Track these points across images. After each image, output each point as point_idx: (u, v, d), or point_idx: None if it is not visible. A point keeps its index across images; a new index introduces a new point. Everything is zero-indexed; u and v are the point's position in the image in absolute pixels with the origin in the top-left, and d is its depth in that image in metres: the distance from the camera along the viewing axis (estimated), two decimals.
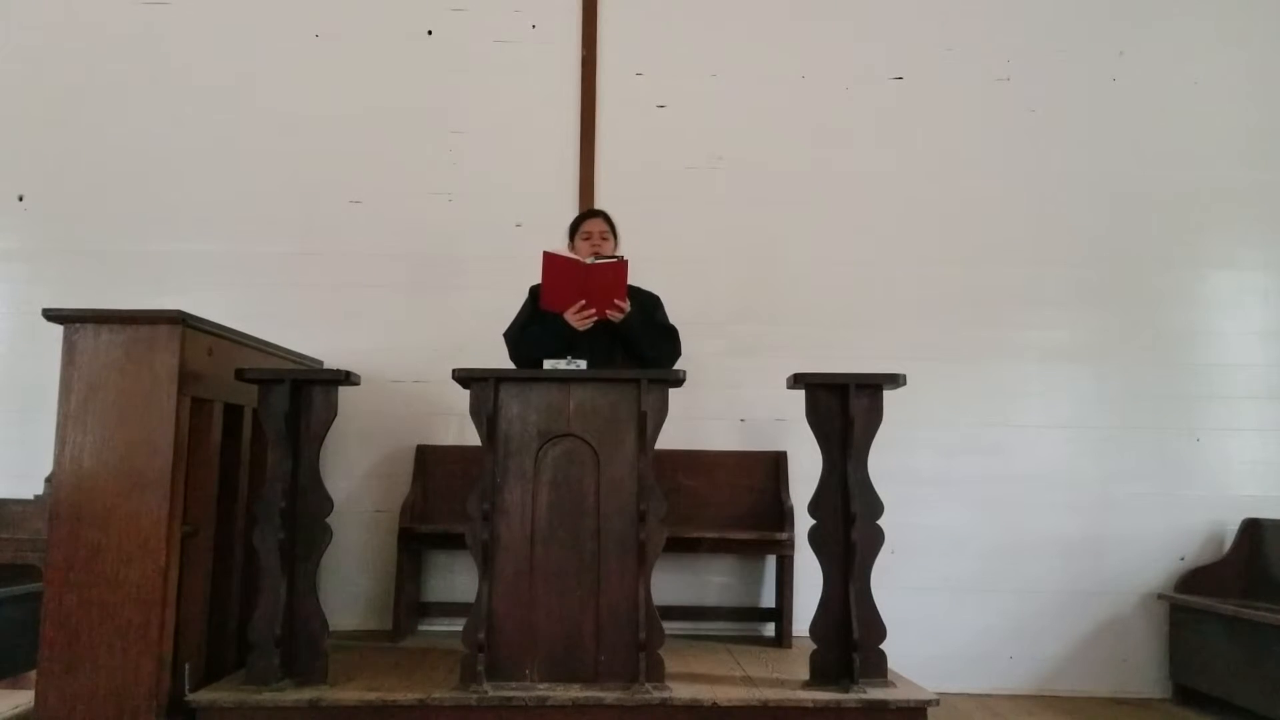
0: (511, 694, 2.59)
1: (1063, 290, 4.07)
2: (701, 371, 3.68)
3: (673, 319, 3.33)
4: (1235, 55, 4.19)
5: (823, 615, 2.78)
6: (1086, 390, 4.03)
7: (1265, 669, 3.31)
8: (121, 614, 2.54)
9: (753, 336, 3.99)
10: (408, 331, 3.99)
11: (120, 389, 2.61)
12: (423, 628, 3.80)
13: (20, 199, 4.07)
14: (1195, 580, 3.83)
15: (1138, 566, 3.92)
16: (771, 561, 3.81)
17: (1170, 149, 4.14)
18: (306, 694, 2.61)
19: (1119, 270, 4.09)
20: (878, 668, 2.73)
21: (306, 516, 2.75)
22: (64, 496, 2.58)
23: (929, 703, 2.65)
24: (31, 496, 3.55)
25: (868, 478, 2.80)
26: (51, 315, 2.64)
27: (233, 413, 3.05)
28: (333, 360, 3.71)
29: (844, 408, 2.81)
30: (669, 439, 3.31)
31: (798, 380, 2.86)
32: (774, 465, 3.88)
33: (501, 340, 3.29)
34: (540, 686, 2.63)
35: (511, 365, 3.21)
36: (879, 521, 2.78)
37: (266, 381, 2.77)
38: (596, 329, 3.08)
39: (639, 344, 3.14)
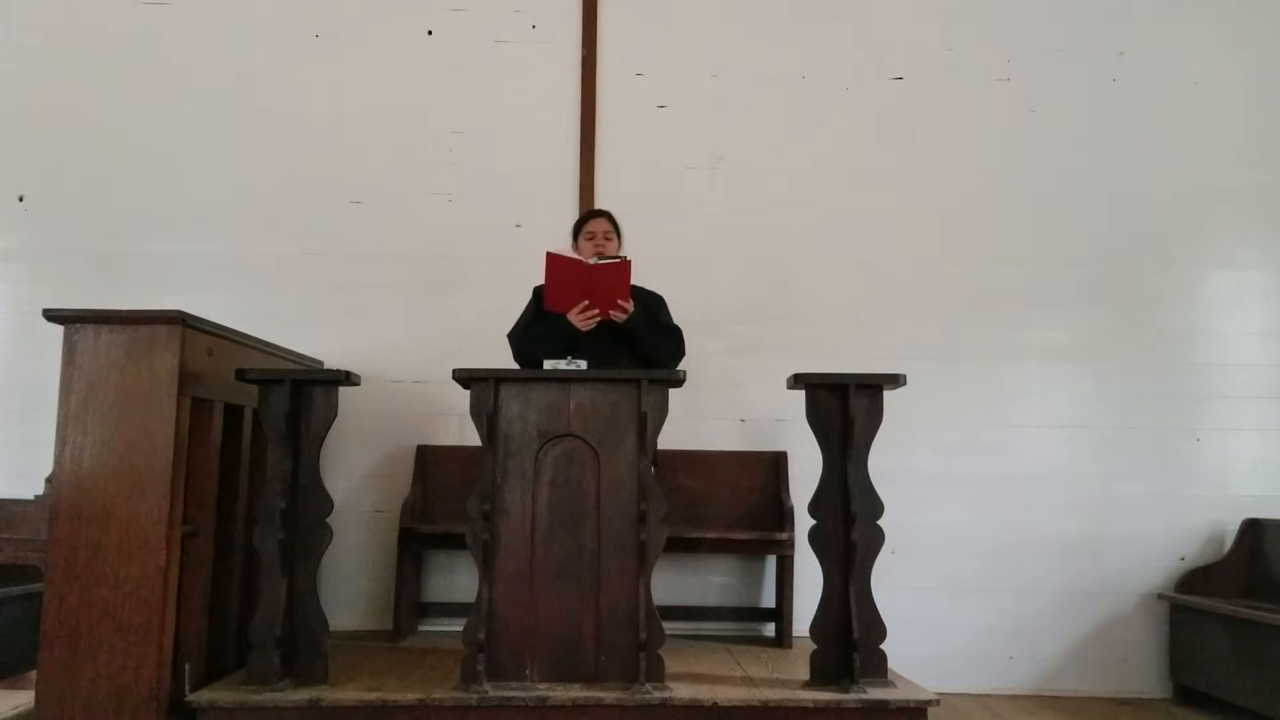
0: (511, 694, 2.59)
1: (1063, 290, 4.07)
2: (702, 371, 3.68)
3: (673, 319, 3.33)
4: (1235, 55, 4.19)
5: (823, 615, 2.78)
6: (1086, 390, 4.03)
7: (1265, 669, 3.31)
8: (122, 614, 2.54)
9: (753, 336, 4.00)
10: (408, 331, 3.99)
11: (120, 389, 2.61)
12: (423, 628, 3.80)
13: (20, 199, 4.07)
14: (1195, 580, 3.83)
15: (1138, 566, 3.92)
16: (772, 561, 3.81)
17: (1170, 149, 4.14)
18: (306, 694, 2.61)
19: (1119, 270, 4.09)
20: (878, 668, 2.73)
21: (307, 516, 2.75)
22: (64, 496, 2.58)
23: (929, 703, 2.65)
24: (32, 496, 3.54)
25: (868, 478, 2.80)
26: (51, 315, 2.64)
27: (233, 413, 3.05)
28: (333, 360, 3.71)
29: (844, 408, 2.81)
30: (669, 439, 3.32)
31: (798, 380, 2.86)
32: (774, 465, 3.88)
33: (502, 340, 3.29)
34: (540, 686, 2.63)
35: (515, 366, 3.21)
36: (879, 521, 2.78)
37: (266, 382, 2.77)
38: (600, 329, 3.09)
39: (642, 344, 3.15)
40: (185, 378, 2.65)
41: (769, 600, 3.84)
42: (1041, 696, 3.83)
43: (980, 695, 3.82)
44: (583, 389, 2.77)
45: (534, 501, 2.73)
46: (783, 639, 3.59)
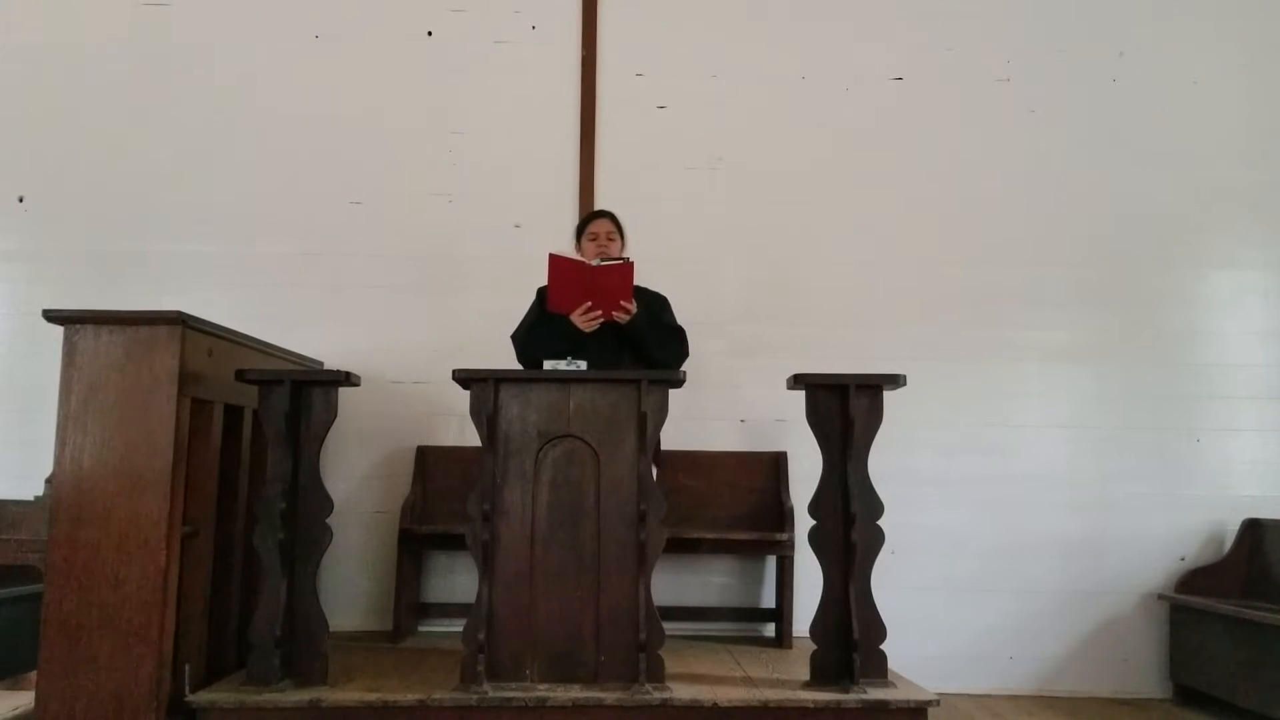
0: (511, 694, 2.59)
1: (1063, 290, 4.07)
2: (702, 372, 3.68)
3: (677, 320, 3.33)
4: (1235, 55, 4.19)
5: (823, 615, 2.78)
6: (1086, 390, 4.03)
7: (1265, 669, 3.31)
8: (121, 614, 2.54)
9: (753, 337, 3.99)
10: (408, 332, 3.99)
11: (120, 390, 2.61)
12: (423, 628, 3.80)
13: (20, 199, 4.07)
14: (1195, 580, 3.83)
15: (1138, 566, 3.92)
16: (771, 562, 3.81)
17: (1170, 149, 4.14)
18: (306, 694, 2.61)
19: (1119, 270, 4.09)
20: (878, 668, 2.73)
21: (307, 517, 2.75)
22: (64, 497, 2.58)
23: (929, 703, 2.65)
24: (31, 497, 3.54)
25: (868, 478, 2.80)
26: (51, 316, 2.64)
27: (233, 413, 3.05)
28: (333, 361, 3.71)
29: (844, 408, 2.81)
30: (669, 439, 3.33)
31: (798, 381, 2.86)
32: (774, 465, 3.88)
33: (502, 340, 3.29)
34: (540, 687, 2.63)
35: (518, 366, 3.21)
36: (879, 522, 2.78)
37: (266, 382, 2.77)
38: (603, 330, 3.09)
39: (646, 345, 3.15)
40: (185, 378, 2.65)
41: (769, 600, 3.84)
42: (1041, 697, 3.83)
43: (980, 695, 3.82)
44: (582, 389, 2.77)
45: (534, 502, 2.73)
46: (783, 639, 3.59)
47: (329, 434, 2.82)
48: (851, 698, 2.63)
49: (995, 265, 4.07)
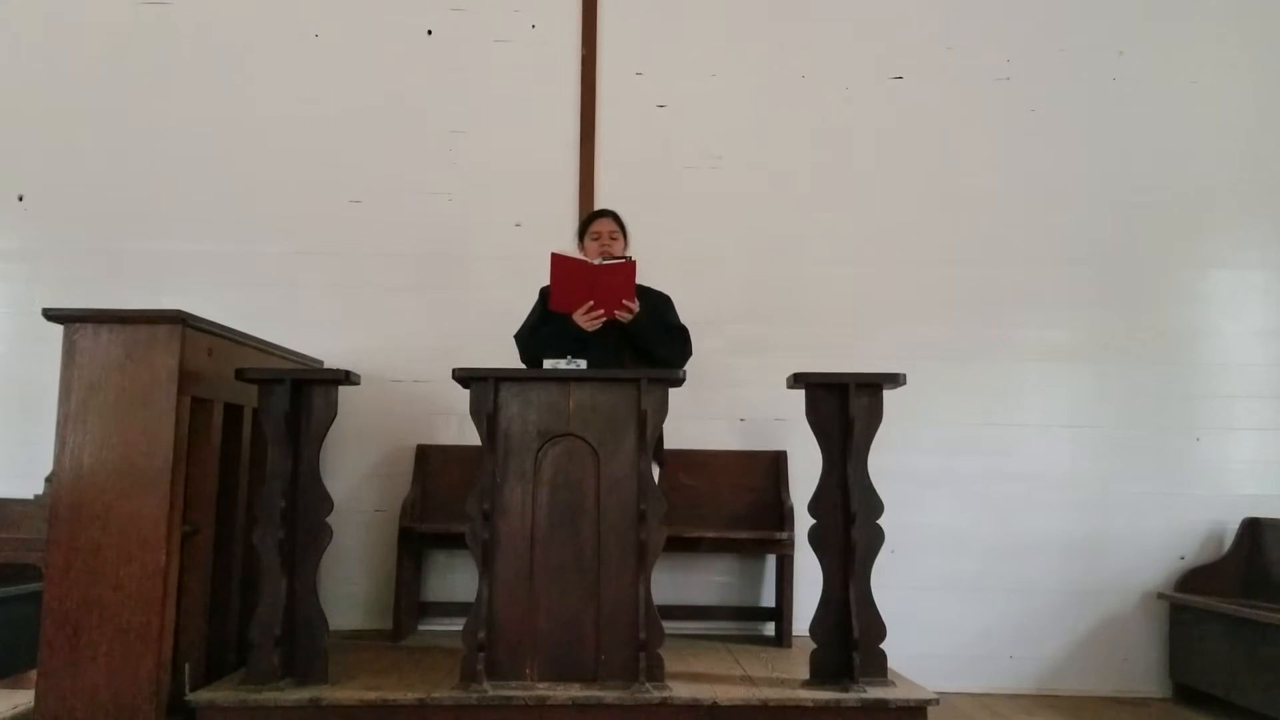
0: (511, 693, 2.59)
1: (1063, 290, 4.07)
2: (701, 371, 3.67)
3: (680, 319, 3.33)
4: (1235, 55, 4.19)
5: (823, 615, 2.78)
6: (1086, 390, 4.03)
7: (1265, 668, 3.31)
8: (121, 613, 2.54)
9: (753, 336, 3.99)
10: (408, 331, 3.99)
11: (120, 389, 2.61)
12: (423, 627, 3.80)
13: (20, 199, 4.07)
14: (1195, 580, 3.83)
15: (1138, 566, 3.92)
16: (771, 561, 3.81)
17: (1170, 148, 4.14)
18: (306, 693, 2.61)
19: (1119, 270, 4.09)
20: (878, 667, 2.73)
21: (306, 516, 2.75)
22: (64, 496, 2.58)
23: (929, 702, 2.65)
24: (31, 496, 3.54)
25: (867, 477, 2.80)
26: (51, 315, 2.64)
27: (233, 412, 3.05)
28: (333, 360, 3.71)
29: (844, 407, 2.81)
30: (669, 438, 3.33)
31: (798, 380, 2.86)
32: (774, 465, 3.88)
33: (502, 339, 3.30)
34: (540, 686, 2.63)
35: (520, 365, 3.20)
36: (879, 521, 2.78)
37: (266, 381, 2.77)
38: (606, 329, 3.08)
39: (648, 344, 3.14)
40: (185, 377, 2.65)
41: (769, 600, 3.84)
42: (1042, 696, 3.83)
43: (980, 695, 3.82)
44: (582, 388, 2.77)
45: (534, 501, 2.73)
46: (782, 638, 3.59)
47: (329, 433, 2.82)
48: (851, 696, 2.63)
49: (995, 264, 4.07)
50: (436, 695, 2.60)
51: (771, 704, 2.63)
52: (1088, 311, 4.06)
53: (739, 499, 3.85)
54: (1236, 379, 4.02)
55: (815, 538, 2.81)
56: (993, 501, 3.94)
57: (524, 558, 2.71)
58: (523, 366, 3.19)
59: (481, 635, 2.64)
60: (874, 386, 2.83)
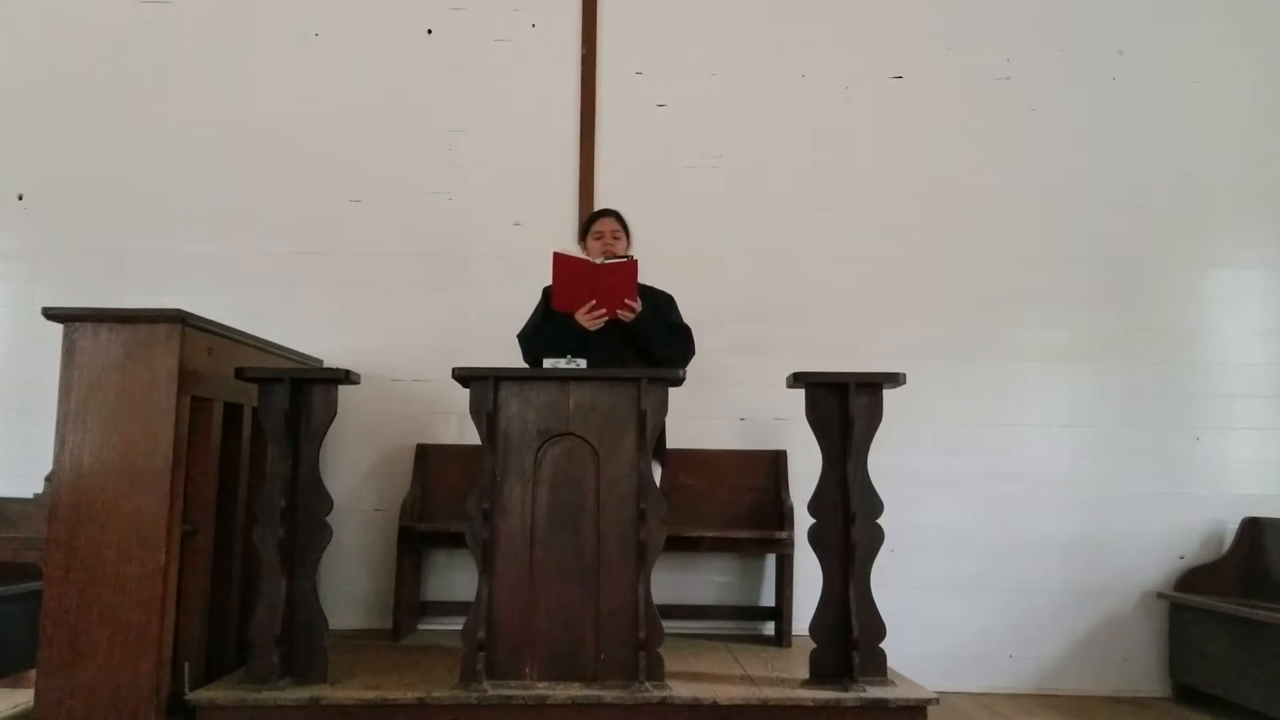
0: (511, 693, 2.59)
1: (1062, 290, 4.07)
2: (702, 370, 3.67)
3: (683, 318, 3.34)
4: (1235, 55, 4.19)
5: (822, 614, 2.78)
6: (1086, 390, 4.03)
7: (1265, 668, 3.31)
8: (121, 613, 2.54)
9: (753, 335, 3.99)
10: (407, 330, 3.99)
11: (120, 388, 2.61)
12: (422, 627, 3.80)
13: (20, 199, 4.07)
14: (1195, 579, 3.83)
15: (1137, 565, 3.92)
16: (771, 560, 3.81)
17: (1170, 148, 4.14)
18: (306, 693, 2.61)
19: (1119, 270, 4.09)
20: (877, 666, 2.73)
21: (306, 515, 2.75)
22: (64, 495, 2.58)
23: (929, 701, 2.65)
24: (31, 495, 3.55)
25: (867, 477, 2.80)
26: (51, 314, 2.64)
27: (232, 412, 3.05)
28: (332, 359, 3.71)
29: (844, 407, 2.81)
30: (669, 438, 3.32)
31: (798, 379, 2.86)
32: (774, 464, 3.88)
33: (502, 338, 3.30)
34: (540, 685, 2.63)
35: (523, 365, 3.20)
36: (878, 520, 2.78)
37: (266, 380, 2.77)
38: (609, 329, 3.08)
39: (651, 343, 3.14)
40: (185, 376, 2.65)
41: (768, 599, 3.84)
42: (1041, 695, 3.83)
43: (980, 694, 3.82)
44: (582, 388, 2.77)
45: (533, 500, 2.73)
46: (782, 638, 3.59)
47: (329, 432, 2.82)
48: (851, 696, 2.63)
49: (995, 264, 4.07)
50: (436, 695, 2.60)
51: (771, 704, 2.63)
52: (1088, 311, 4.06)
53: (739, 498, 3.85)
54: (1236, 379, 4.02)
55: (815, 537, 2.81)
56: (993, 501, 3.94)
57: (524, 557, 2.71)
58: (525, 366, 3.18)
59: (481, 635, 2.64)
60: (874, 386, 2.83)
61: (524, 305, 3.36)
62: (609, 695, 2.59)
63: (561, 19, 4.16)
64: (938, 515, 3.91)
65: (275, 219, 4.05)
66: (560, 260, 3.02)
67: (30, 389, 3.76)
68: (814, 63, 4.18)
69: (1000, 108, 4.16)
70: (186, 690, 2.63)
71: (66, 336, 2.63)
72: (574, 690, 2.61)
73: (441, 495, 3.80)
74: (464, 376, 2.75)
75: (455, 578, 3.86)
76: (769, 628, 3.79)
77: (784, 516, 3.69)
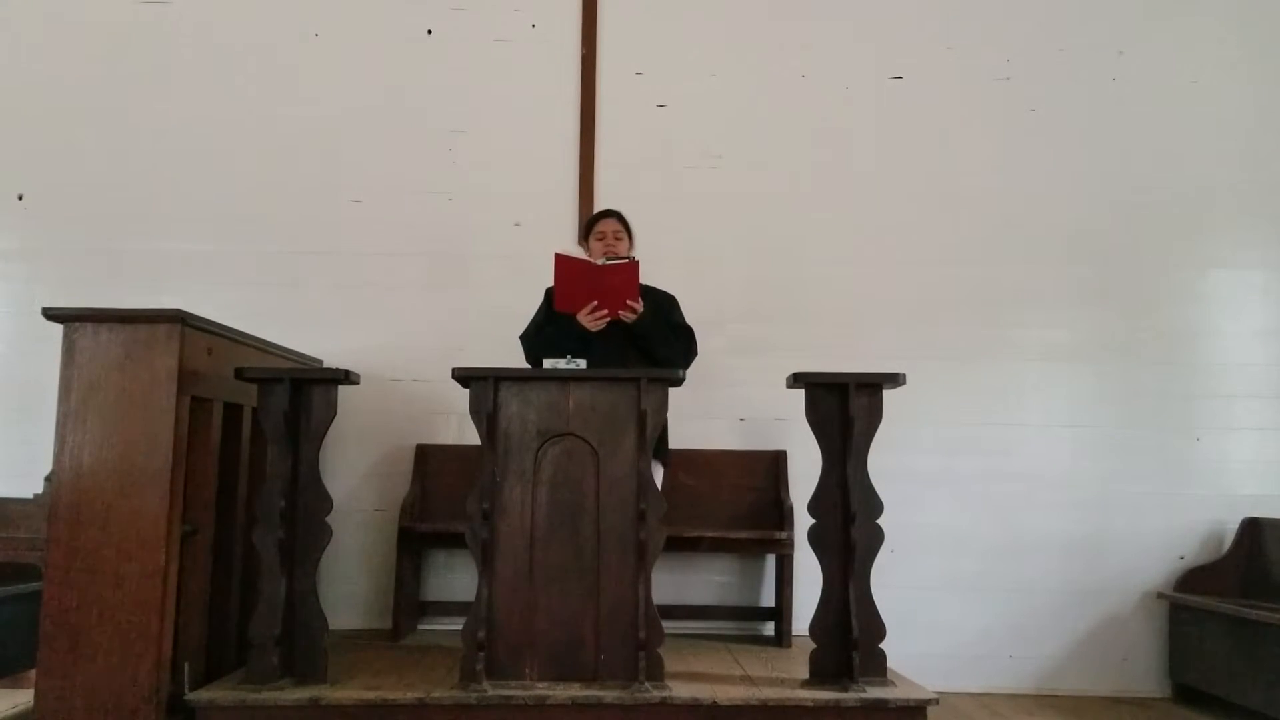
0: (511, 693, 2.59)
1: (1062, 290, 4.07)
2: (702, 370, 3.67)
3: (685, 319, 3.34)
4: (1235, 55, 4.19)
5: (822, 614, 2.78)
6: (1086, 390, 4.03)
7: (1265, 668, 3.31)
8: (121, 613, 2.54)
9: (753, 335, 3.99)
10: (407, 330, 3.99)
11: (120, 388, 2.61)
12: (422, 627, 3.80)
13: (20, 199, 4.07)
14: (1195, 579, 3.83)
15: (1137, 566, 3.92)
16: (771, 561, 3.81)
17: (1170, 149, 4.14)
18: (306, 693, 2.60)
19: (1119, 270, 4.09)
20: (877, 667, 2.73)
21: (306, 516, 2.75)
22: (64, 495, 2.58)
23: (929, 702, 2.65)
24: (31, 495, 3.54)
25: (867, 477, 2.80)
26: (51, 314, 2.64)
27: (232, 412, 3.05)
28: (332, 359, 3.71)
29: (844, 407, 2.81)
30: (670, 438, 3.32)
31: (797, 380, 2.86)
32: (774, 464, 3.88)
33: (501, 338, 3.31)
34: (540, 685, 2.63)
35: (525, 366, 3.20)
36: (878, 520, 2.78)
37: (266, 380, 2.77)
38: (611, 329, 3.08)
39: (652, 344, 3.15)
40: (185, 377, 2.65)
41: (768, 599, 3.84)
42: (1041, 696, 3.83)
43: (980, 694, 3.82)
44: (582, 388, 2.77)
45: (533, 500, 2.73)
46: (782, 638, 3.59)
47: (328, 432, 2.82)
48: (851, 696, 2.63)
49: (995, 264, 4.07)
50: (436, 695, 2.60)
51: (771, 704, 2.63)
52: (1088, 311, 4.06)
53: (739, 498, 3.84)
54: (1236, 379, 4.02)
55: (815, 537, 2.81)
56: (993, 501, 3.94)
57: (523, 557, 2.71)
58: (526, 366, 3.18)
59: (481, 635, 2.64)
60: (874, 386, 2.83)
61: (524, 305, 3.36)
62: (609, 695, 2.59)
63: (561, 19, 4.16)
64: (938, 515, 3.91)
65: (275, 219, 4.05)
66: (562, 261, 3.02)
67: (30, 389, 3.77)
68: (814, 63, 4.18)
69: (1000, 108, 4.16)
70: (186, 690, 2.63)
71: (66, 336, 2.63)
72: (574, 690, 2.61)
73: (441, 495, 3.80)
74: (464, 377, 2.75)
75: (455, 578, 3.86)
76: (769, 628, 3.79)
77: (784, 517, 3.69)
